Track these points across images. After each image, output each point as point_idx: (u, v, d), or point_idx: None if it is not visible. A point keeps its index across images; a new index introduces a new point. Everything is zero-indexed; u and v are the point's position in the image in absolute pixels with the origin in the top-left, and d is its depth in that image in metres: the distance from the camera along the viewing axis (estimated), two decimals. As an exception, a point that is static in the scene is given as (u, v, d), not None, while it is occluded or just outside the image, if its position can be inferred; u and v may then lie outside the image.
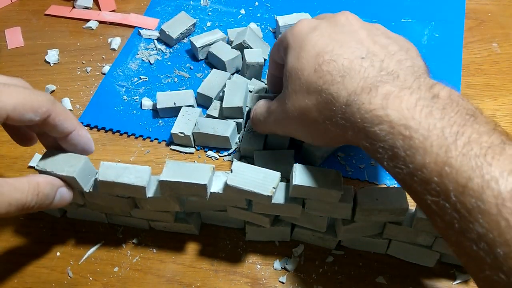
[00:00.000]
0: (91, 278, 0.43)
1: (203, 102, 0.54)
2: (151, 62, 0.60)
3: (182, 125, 0.50)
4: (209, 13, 0.67)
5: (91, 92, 0.57)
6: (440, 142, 0.27)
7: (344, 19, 0.38)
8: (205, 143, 0.51)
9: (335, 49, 0.35)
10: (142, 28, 0.65)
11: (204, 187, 0.37)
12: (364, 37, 0.36)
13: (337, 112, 0.33)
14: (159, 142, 0.52)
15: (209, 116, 0.52)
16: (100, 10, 0.69)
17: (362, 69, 0.33)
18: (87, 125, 0.54)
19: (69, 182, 0.39)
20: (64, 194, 0.37)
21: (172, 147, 0.51)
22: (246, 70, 0.55)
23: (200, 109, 0.51)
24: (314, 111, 0.35)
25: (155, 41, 0.63)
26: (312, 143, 0.38)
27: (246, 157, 0.49)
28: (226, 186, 0.37)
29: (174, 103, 0.52)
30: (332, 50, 0.35)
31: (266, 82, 0.53)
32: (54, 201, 0.36)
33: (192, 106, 0.52)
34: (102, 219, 0.46)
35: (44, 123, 0.34)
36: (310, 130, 0.37)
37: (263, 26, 0.64)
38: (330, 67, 0.34)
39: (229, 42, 0.60)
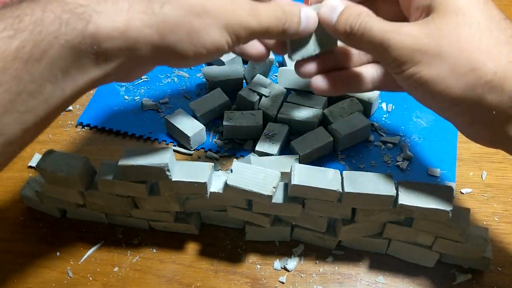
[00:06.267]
0: (91, 278, 0.43)
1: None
2: (151, 62, 0.60)
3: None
4: (209, 13, 0.67)
5: (91, 92, 0.57)
6: None
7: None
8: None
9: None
10: (142, 28, 0.65)
11: (203, 185, 0.37)
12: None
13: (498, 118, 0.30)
14: (159, 142, 0.52)
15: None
16: (100, 10, 0.69)
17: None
18: (87, 125, 0.54)
19: (69, 182, 0.39)
20: (309, 14, 0.32)
21: (172, 147, 0.51)
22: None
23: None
24: (466, 121, 0.32)
25: (155, 41, 0.63)
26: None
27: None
28: (226, 186, 0.37)
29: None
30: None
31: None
32: (301, 22, 0.32)
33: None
34: (102, 219, 0.46)
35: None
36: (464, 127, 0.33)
37: (263, 26, 0.64)
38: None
39: (229, 42, 0.60)
